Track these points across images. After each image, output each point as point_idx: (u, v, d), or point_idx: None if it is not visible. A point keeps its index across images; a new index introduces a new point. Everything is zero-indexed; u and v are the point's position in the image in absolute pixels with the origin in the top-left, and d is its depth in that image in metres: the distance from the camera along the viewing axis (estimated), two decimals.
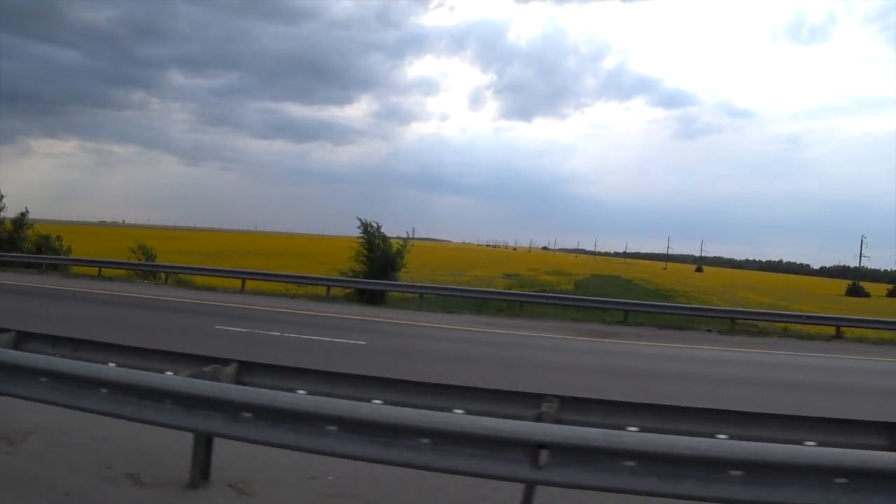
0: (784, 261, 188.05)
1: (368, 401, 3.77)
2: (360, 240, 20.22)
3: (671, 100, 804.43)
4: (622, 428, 3.38)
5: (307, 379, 4.12)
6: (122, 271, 21.61)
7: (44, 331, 5.09)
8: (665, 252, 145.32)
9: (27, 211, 24.28)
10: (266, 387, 4.00)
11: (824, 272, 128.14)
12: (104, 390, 3.93)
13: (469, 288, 20.88)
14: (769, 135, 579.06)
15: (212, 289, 18.15)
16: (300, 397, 3.48)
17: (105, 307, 13.34)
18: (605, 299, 18.51)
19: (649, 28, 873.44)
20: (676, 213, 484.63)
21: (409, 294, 19.09)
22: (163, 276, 20.39)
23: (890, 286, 70.56)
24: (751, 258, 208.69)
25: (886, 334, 16.93)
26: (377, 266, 19.67)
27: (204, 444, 4.03)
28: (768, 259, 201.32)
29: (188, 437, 4.00)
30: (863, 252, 79.41)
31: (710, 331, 16.30)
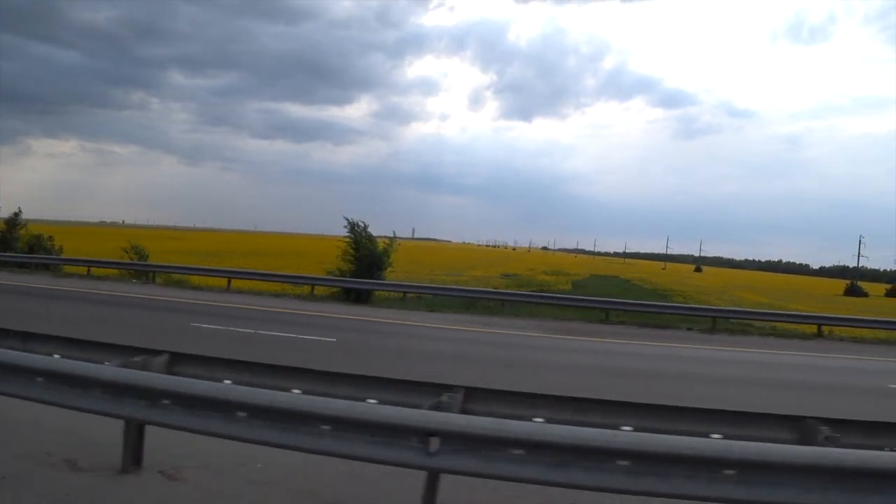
0: (784, 261, 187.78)
1: (288, 390, 3.94)
2: (347, 239, 20.39)
3: (671, 100, 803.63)
4: (527, 418, 3.53)
5: (234, 370, 4.28)
6: (114, 271, 21.82)
7: (12, 327, 5.27)
8: (664, 252, 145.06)
9: (20, 211, 24.58)
10: (196, 377, 4.16)
11: (824, 272, 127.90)
12: (40, 379, 4.10)
13: (452, 287, 21.01)
14: (769, 135, 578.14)
15: (198, 288, 18.34)
16: (213, 385, 3.63)
17: (85, 305, 13.52)
18: (585, 298, 18.64)
19: (649, 28, 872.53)
20: (676, 213, 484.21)
21: (394, 293, 19.26)
22: (154, 275, 20.56)
23: (889, 286, 70.41)
24: (750, 258, 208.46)
25: (867, 332, 17.03)
26: (363, 265, 19.84)
27: (136, 431, 4.19)
28: (768, 259, 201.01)
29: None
30: (861, 252, 79.22)
31: (690, 329, 16.41)
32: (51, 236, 24.46)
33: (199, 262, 25.15)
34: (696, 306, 19.01)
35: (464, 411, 3.56)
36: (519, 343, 12.22)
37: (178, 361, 4.43)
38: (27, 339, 5.04)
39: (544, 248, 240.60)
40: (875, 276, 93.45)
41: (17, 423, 4.96)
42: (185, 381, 3.66)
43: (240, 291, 18.16)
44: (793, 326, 17.18)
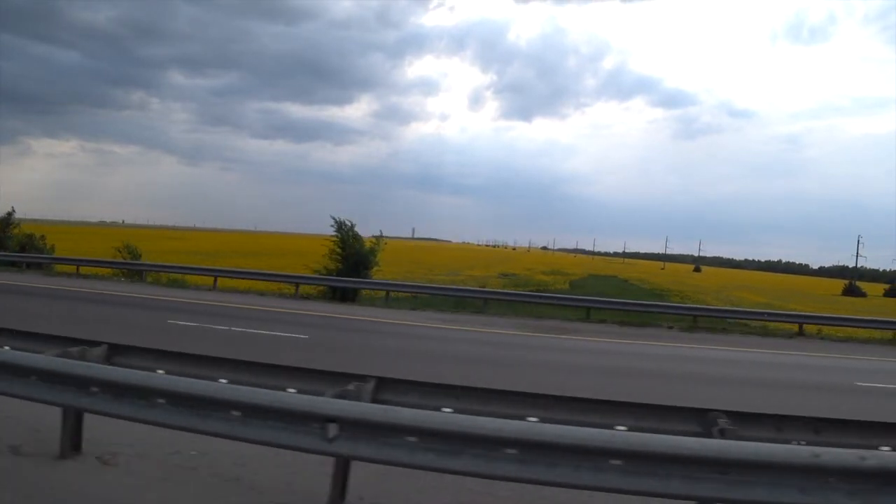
0: (783, 261, 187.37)
1: (216, 380, 4.11)
2: (334, 238, 20.57)
3: (671, 100, 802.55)
4: (438, 409, 3.69)
5: (170, 360, 4.45)
6: (104, 270, 22.03)
7: None
8: (664, 252, 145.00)
9: (13, 210, 24.85)
10: (131, 367, 4.34)
11: (823, 272, 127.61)
12: None
13: (436, 285, 21.18)
14: (769, 135, 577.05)
15: (185, 286, 18.55)
16: (136, 373, 3.80)
17: (64, 302, 13.69)
18: (567, 296, 18.81)
19: (649, 28, 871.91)
20: (676, 213, 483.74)
21: (381, 291, 19.42)
22: (144, 274, 20.76)
23: (887, 286, 70.34)
24: (750, 258, 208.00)
25: (852, 331, 17.07)
26: (350, 264, 20.02)
27: (73, 418, 4.37)
28: (767, 259, 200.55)
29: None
30: (860, 252, 79.25)
31: (671, 328, 16.52)
32: (43, 235, 24.71)
33: (198, 262, 25.38)
34: (677, 304, 19.13)
35: (375, 401, 3.72)
36: (489, 340, 12.36)
37: (116, 352, 4.60)
38: None
39: (544, 248, 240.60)
40: (874, 276, 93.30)
41: None
42: (110, 370, 3.84)
43: (226, 290, 18.36)
44: (774, 325, 17.28)
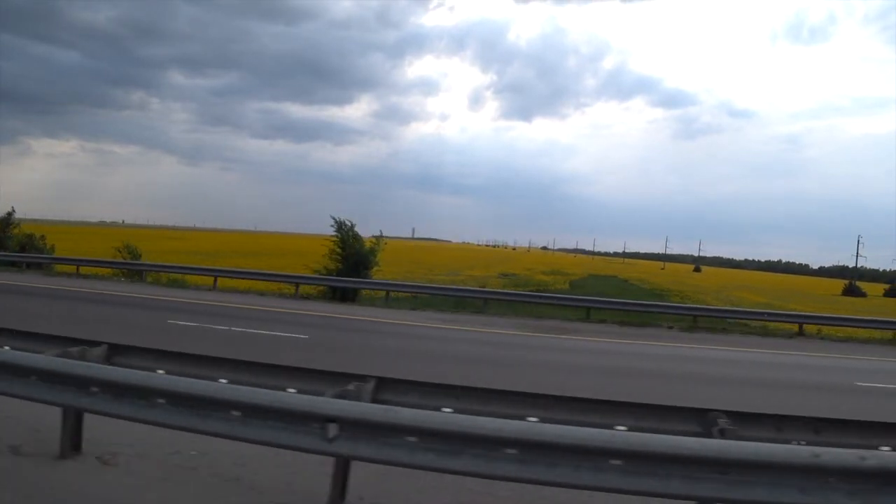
0: (783, 261, 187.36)
1: (216, 380, 4.11)
2: (334, 238, 20.57)
3: (671, 100, 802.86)
4: (438, 409, 3.69)
5: (169, 360, 4.45)
6: (104, 270, 22.03)
7: None
8: (664, 252, 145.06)
9: (13, 210, 24.86)
10: (131, 367, 4.34)
11: (823, 272, 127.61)
12: None
13: (435, 285, 21.19)
14: (769, 135, 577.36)
15: (185, 286, 18.55)
16: (136, 373, 3.80)
17: (64, 302, 13.70)
18: (567, 296, 18.82)
19: (649, 28, 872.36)
20: (676, 213, 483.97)
21: (382, 291, 19.42)
22: (144, 274, 20.76)
23: (887, 286, 70.36)
24: (750, 258, 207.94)
25: (851, 331, 17.05)
26: (350, 264, 20.02)
27: (73, 418, 4.37)
28: (767, 259, 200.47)
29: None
30: (860, 252, 79.28)
31: (671, 328, 16.52)
32: (42, 235, 24.71)
33: (198, 262, 25.38)
34: (677, 304, 19.13)
35: (375, 401, 3.72)
36: (489, 340, 12.37)
37: (116, 352, 4.60)
38: None
39: (544, 248, 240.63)
40: (874, 276, 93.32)
41: None
42: (110, 370, 3.84)
43: (226, 290, 18.36)
44: (774, 325, 17.27)
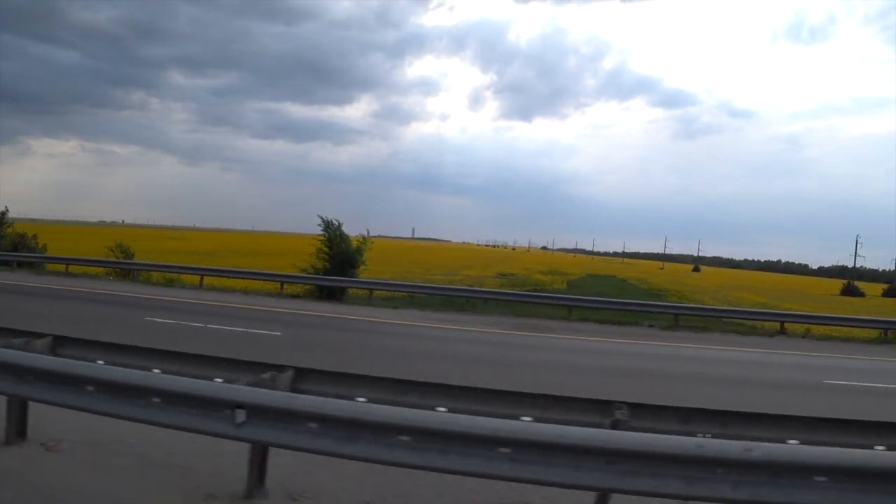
0: (783, 261, 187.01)
1: (149, 369, 4.29)
2: (322, 237, 20.75)
3: (671, 100, 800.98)
4: (353, 398, 3.85)
5: (109, 351, 4.64)
6: (96, 269, 22.25)
7: None
8: (663, 252, 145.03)
9: (7, 210, 25.16)
10: (75, 357, 4.53)
11: (823, 272, 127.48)
12: None
13: (421, 284, 21.36)
14: (769, 135, 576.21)
15: (172, 285, 18.77)
16: (67, 362, 3.98)
17: (47, 300, 13.90)
18: (551, 295, 18.94)
19: (649, 28, 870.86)
20: (676, 213, 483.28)
21: (369, 290, 19.57)
22: (136, 273, 20.98)
23: (886, 286, 70.29)
24: (750, 258, 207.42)
25: (837, 330, 17.00)
26: (336, 263, 20.19)
27: (17, 407, 4.57)
28: (767, 259, 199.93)
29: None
30: (859, 252, 79.16)
31: (651, 326, 16.66)
32: (35, 235, 24.97)
33: (197, 262, 25.53)
34: (658, 303, 19.27)
35: (294, 390, 3.89)
36: (460, 338, 12.54)
37: (60, 344, 4.79)
38: None
39: (544, 248, 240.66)
40: (874, 276, 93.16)
41: None
42: (46, 360, 4.02)
43: (213, 289, 18.57)
44: (758, 323, 17.31)
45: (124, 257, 24.90)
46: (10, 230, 24.76)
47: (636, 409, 3.61)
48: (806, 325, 16.98)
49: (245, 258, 42.95)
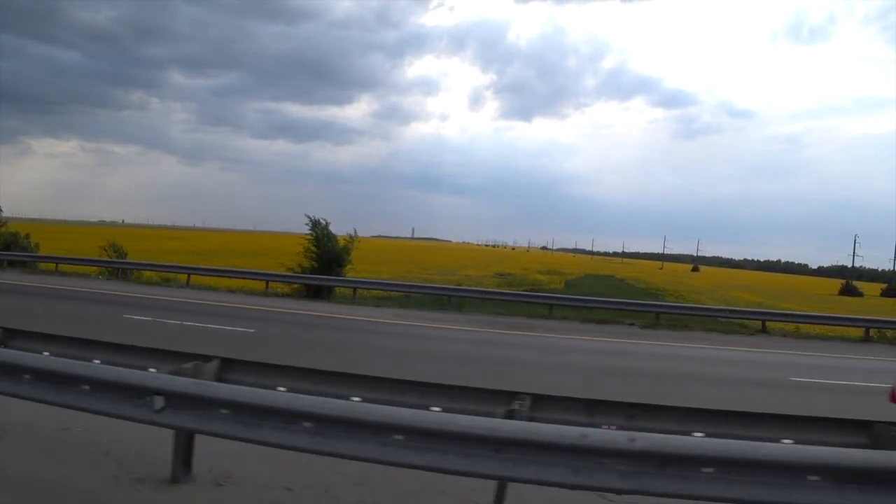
0: (782, 261, 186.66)
1: (90, 360, 4.47)
2: (309, 236, 20.95)
3: (671, 100, 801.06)
4: (274, 388, 4.01)
5: (54, 343, 4.82)
6: (89, 268, 22.46)
7: None
8: (662, 252, 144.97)
9: (0, 210, 25.41)
10: (24, 349, 4.71)
11: (822, 272, 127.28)
12: None
13: (407, 283, 21.52)
14: (769, 135, 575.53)
15: (158, 284, 18.99)
16: (4, 352, 4.17)
17: (28, 298, 14.13)
18: (532, 293, 19.08)
19: (649, 28, 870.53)
20: (676, 213, 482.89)
21: (358, 289, 19.70)
22: (129, 272, 21.18)
23: (884, 286, 70.25)
24: (749, 258, 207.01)
25: (829, 330, 17.02)
26: (324, 262, 20.38)
27: None
28: (766, 259, 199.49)
29: None
30: (857, 251, 79.23)
31: (632, 325, 16.76)
32: (27, 234, 25.23)
33: (196, 262, 25.68)
34: (640, 301, 19.37)
35: (220, 379, 4.07)
36: (437, 336, 12.70)
37: (12, 336, 4.98)
38: None
39: (543, 248, 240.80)
40: (873, 275, 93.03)
41: None
42: None
43: (200, 287, 18.77)
44: (740, 322, 17.38)
45: (117, 257, 25.14)
46: (2, 229, 25.00)
47: (539, 399, 3.75)
48: (796, 325, 17.08)
49: (245, 258, 43.17)
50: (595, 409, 3.94)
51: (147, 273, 21.04)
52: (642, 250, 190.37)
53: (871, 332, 16.85)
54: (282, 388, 3.96)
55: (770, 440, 3.77)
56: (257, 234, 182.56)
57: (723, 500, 3.03)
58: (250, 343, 10.20)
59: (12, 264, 21.88)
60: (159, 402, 3.54)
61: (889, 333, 16.78)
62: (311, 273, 19.92)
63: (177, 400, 3.53)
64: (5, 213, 25.92)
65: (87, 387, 3.81)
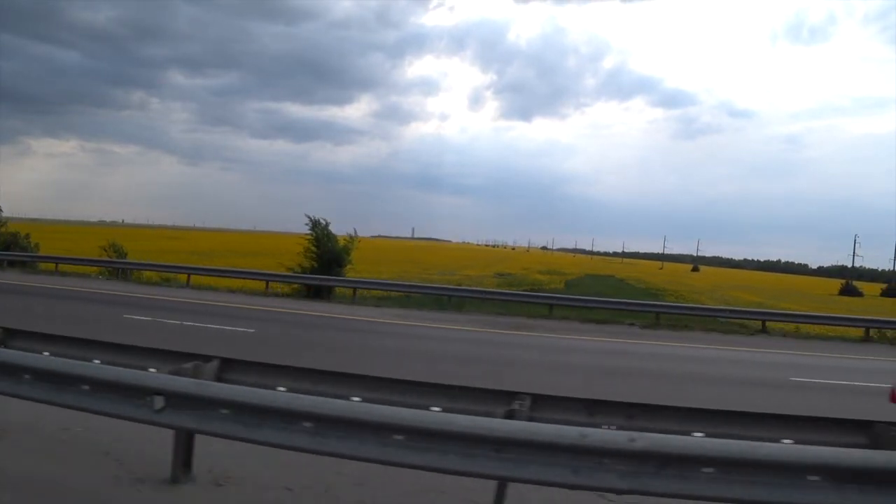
0: (782, 261, 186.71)
1: (90, 360, 4.47)
2: (309, 237, 20.95)
3: (671, 100, 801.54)
4: (274, 388, 4.01)
5: (53, 343, 4.83)
6: (89, 269, 22.47)
7: None
8: (662, 252, 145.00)
9: (0, 210, 25.41)
10: (24, 349, 4.71)
11: (822, 272, 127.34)
12: None
13: (401, 282, 21.54)
14: (769, 135, 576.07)
15: (158, 284, 19.00)
16: (4, 351, 4.17)
17: (29, 298, 14.16)
18: (532, 293, 19.08)
19: (649, 28, 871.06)
20: (676, 213, 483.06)
21: (358, 289, 19.70)
22: (129, 272, 21.19)
23: (884, 286, 70.27)
24: (749, 258, 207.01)
25: (829, 330, 16.98)
26: (324, 262, 20.38)
27: None
28: (766, 259, 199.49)
29: None
30: (857, 251, 79.22)
31: (632, 325, 16.76)
32: (27, 234, 25.23)
33: (195, 262, 25.72)
34: (641, 301, 19.37)
35: (219, 379, 4.07)
36: (436, 336, 12.71)
37: (12, 336, 4.98)
38: None
39: (544, 248, 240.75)
40: (873, 275, 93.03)
41: None
42: None
43: (201, 287, 18.77)
44: (740, 322, 17.36)
45: (117, 257, 25.14)
46: (2, 229, 25.00)
47: (539, 399, 3.75)
48: (795, 325, 17.07)
49: (245, 258, 43.18)
50: (595, 409, 3.93)
51: (147, 273, 21.06)
52: (642, 250, 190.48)
53: (872, 332, 16.85)
54: (281, 388, 3.96)
55: (770, 440, 3.77)
56: (257, 234, 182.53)
57: (723, 500, 3.02)
58: (250, 343, 10.21)
59: (12, 264, 21.87)
60: (159, 402, 3.54)
61: (889, 333, 16.79)
62: (311, 273, 19.92)
63: (177, 400, 3.53)
64: (5, 213, 25.97)
65: (86, 387, 3.81)
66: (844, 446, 3.58)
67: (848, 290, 63.21)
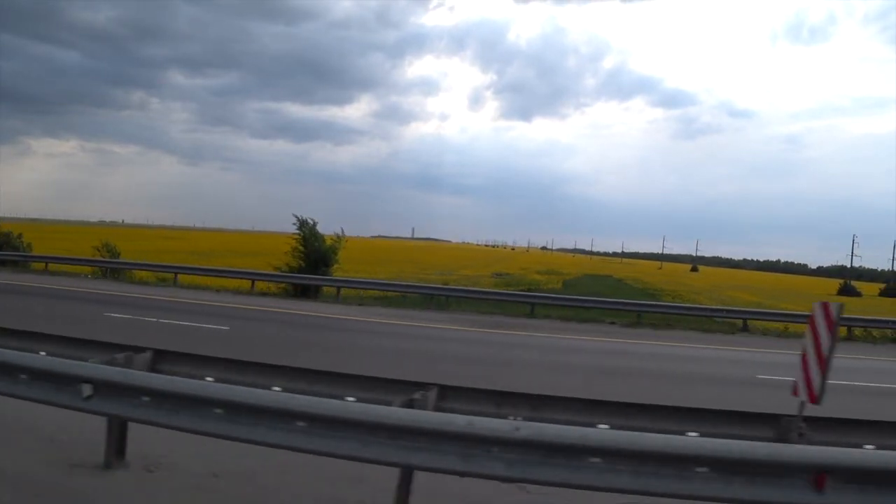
0: (782, 261, 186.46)
1: (37, 352, 4.69)
2: (297, 236, 21.15)
3: (671, 100, 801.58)
4: (202, 378, 4.22)
5: (6, 336, 5.05)
6: (82, 268, 22.69)
7: None
8: (661, 252, 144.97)
9: None
10: None
11: (821, 272, 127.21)
12: None
13: (383, 281, 21.73)
14: (769, 135, 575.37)
15: (146, 283, 19.25)
16: None
17: (11, 296, 14.38)
18: (511, 293, 19.26)
19: (649, 28, 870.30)
20: (676, 213, 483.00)
21: (345, 288, 19.86)
22: (123, 272, 21.41)
23: (883, 285, 70.29)
24: (749, 258, 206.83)
25: (799, 327, 17.19)
26: (311, 261, 20.58)
27: None
28: (766, 259, 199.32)
29: None
30: (855, 251, 79.21)
31: (613, 323, 16.90)
32: (20, 234, 25.51)
33: (193, 262, 25.93)
34: (622, 300, 19.50)
35: (152, 370, 4.29)
36: (416, 334, 12.88)
37: None
38: None
39: (543, 248, 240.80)
40: (872, 275, 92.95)
41: None
42: None
43: (193, 287, 18.98)
44: (733, 322, 17.43)
45: (110, 256, 25.38)
46: None
47: (446, 390, 3.94)
48: (784, 325, 17.21)
49: (244, 258, 43.40)
50: (503, 400, 4.10)
51: (139, 273, 21.28)
52: (642, 250, 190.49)
53: (856, 331, 17.00)
54: (209, 378, 4.16)
55: (676, 433, 3.93)
56: (257, 234, 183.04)
57: (611, 489, 3.13)
58: (221, 340, 10.41)
59: (3, 263, 22.12)
60: (87, 389, 3.75)
61: (889, 333, 16.98)
62: (298, 272, 20.12)
63: (105, 388, 3.74)
64: (1, 213, 26.28)
65: (24, 376, 4.02)
66: (752, 439, 3.74)
67: (846, 290, 63.21)
